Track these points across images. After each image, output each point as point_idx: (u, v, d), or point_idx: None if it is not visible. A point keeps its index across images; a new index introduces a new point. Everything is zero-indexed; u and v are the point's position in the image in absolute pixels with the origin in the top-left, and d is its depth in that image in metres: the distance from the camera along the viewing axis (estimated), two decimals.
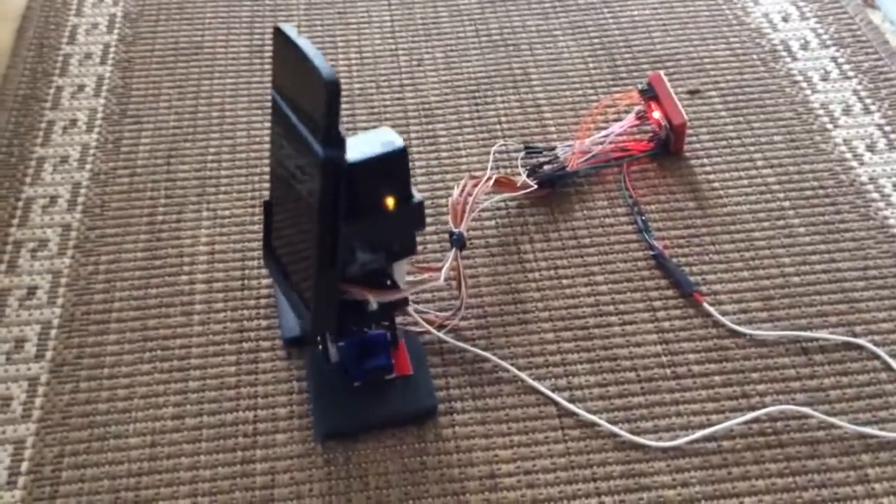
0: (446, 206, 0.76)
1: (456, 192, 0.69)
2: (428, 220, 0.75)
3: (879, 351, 0.65)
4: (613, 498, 0.59)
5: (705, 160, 0.80)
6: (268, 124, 0.84)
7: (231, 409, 0.63)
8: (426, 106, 0.86)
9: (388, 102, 0.86)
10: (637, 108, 0.80)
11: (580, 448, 0.61)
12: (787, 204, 0.76)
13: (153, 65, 0.90)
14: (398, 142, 0.54)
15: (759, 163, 0.79)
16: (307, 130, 0.52)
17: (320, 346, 0.62)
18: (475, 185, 0.70)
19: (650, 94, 0.79)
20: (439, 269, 0.63)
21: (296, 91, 0.54)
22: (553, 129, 0.83)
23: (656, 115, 0.79)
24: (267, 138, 0.83)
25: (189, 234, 0.75)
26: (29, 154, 0.81)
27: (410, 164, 0.79)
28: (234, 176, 0.79)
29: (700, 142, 0.81)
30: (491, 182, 0.71)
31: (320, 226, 0.52)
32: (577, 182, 0.78)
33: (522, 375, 0.65)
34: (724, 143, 0.81)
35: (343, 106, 0.85)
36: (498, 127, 0.84)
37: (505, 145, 0.80)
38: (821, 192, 0.77)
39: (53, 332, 0.68)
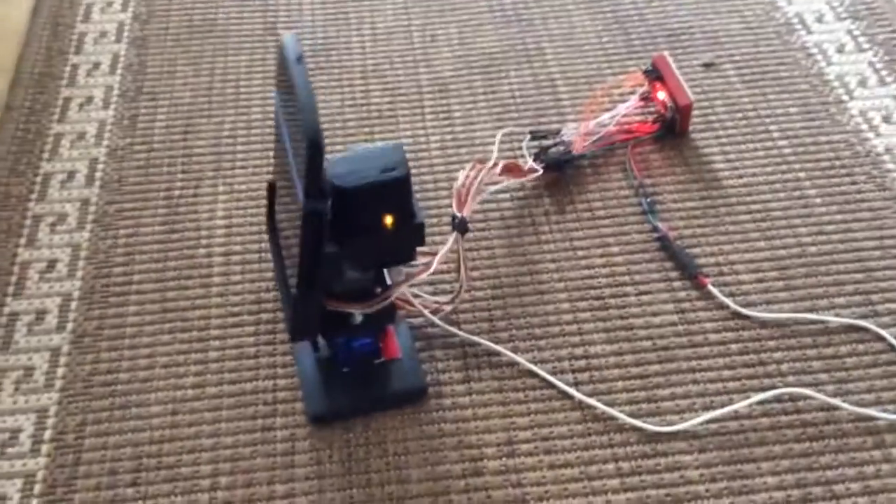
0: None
1: (461, 177, 0.68)
2: (441, 197, 0.76)
3: (884, 332, 0.65)
4: (630, 464, 0.59)
5: (721, 132, 0.80)
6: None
7: (251, 378, 0.64)
8: (440, 81, 0.86)
9: (401, 78, 0.86)
10: (641, 89, 0.80)
11: (596, 415, 0.61)
12: (802, 175, 0.76)
13: (168, 42, 0.90)
14: (400, 168, 0.53)
15: (776, 134, 0.79)
16: (295, 162, 0.52)
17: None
18: (480, 171, 0.68)
19: (655, 74, 0.79)
20: (434, 255, 0.62)
21: (290, 112, 0.53)
22: (567, 103, 0.83)
23: (661, 95, 0.78)
24: None
25: (206, 207, 0.75)
26: (46, 130, 0.82)
27: (425, 139, 0.80)
28: (250, 151, 0.80)
29: (716, 114, 0.81)
30: (498, 168, 0.70)
31: (301, 259, 0.52)
32: (589, 159, 0.78)
33: (538, 370, 0.65)
34: (739, 115, 0.81)
35: (357, 82, 0.86)
36: (512, 102, 0.84)
37: (511, 132, 0.79)
38: (837, 162, 0.77)
39: (74, 303, 0.69)
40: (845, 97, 0.82)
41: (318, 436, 0.61)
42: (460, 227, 0.65)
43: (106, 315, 0.68)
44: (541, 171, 0.74)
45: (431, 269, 0.61)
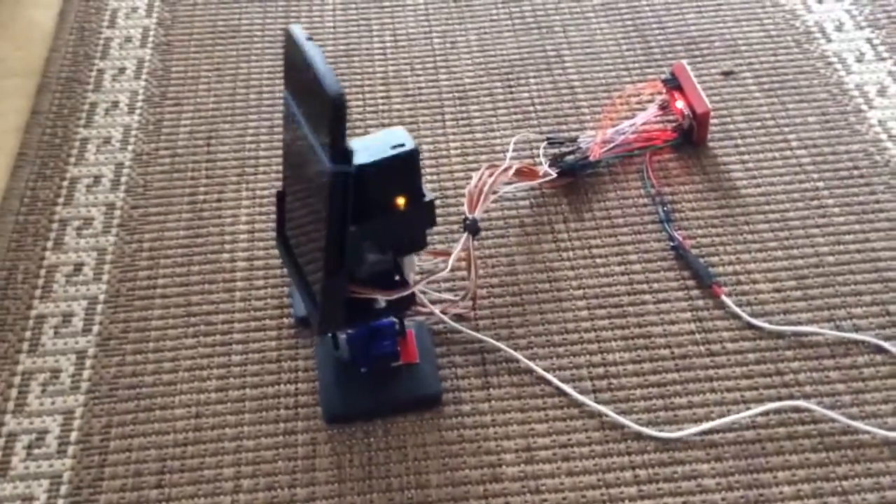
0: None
1: (474, 179, 0.69)
2: (462, 203, 0.76)
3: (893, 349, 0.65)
4: (648, 471, 0.60)
5: (739, 141, 0.80)
6: None
7: (273, 382, 0.65)
8: (460, 88, 0.87)
9: (422, 84, 0.87)
10: (660, 98, 0.80)
11: (614, 422, 0.62)
12: (821, 185, 0.76)
13: (192, 48, 0.91)
14: (409, 143, 0.54)
15: (794, 143, 0.80)
16: (316, 139, 0.53)
17: (329, 334, 0.63)
18: (492, 174, 0.70)
19: (673, 83, 0.79)
20: (449, 255, 0.64)
21: (305, 95, 0.54)
22: (587, 111, 0.84)
23: (679, 104, 0.79)
24: None
25: (230, 213, 0.76)
26: (73, 135, 0.83)
27: (446, 145, 0.81)
28: (273, 157, 0.81)
29: (734, 123, 0.82)
30: (511, 171, 0.71)
31: (328, 235, 0.53)
32: (607, 166, 0.78)
33: (552, 378, 0.66)
34: (758, 123, 0.81)
35: (378, 88, 0.87)
36: (532, 109, 0.84)
37: (527, 138, 0.80)
38: (855, 172, 0.77)
39: (100, 307, 0.70)
40: (864, 106, 0.83)
41: (339, 440, 0.62)
42: (471, 227, 0.66)
43: (131, 318, 0.69)
44: (554, 175, 0.75)
45: (448, 268, 0.63)
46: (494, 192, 0.71)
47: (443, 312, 0.66)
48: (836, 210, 0.74)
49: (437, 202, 0.76)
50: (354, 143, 0.54)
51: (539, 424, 0.62)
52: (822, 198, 0.75)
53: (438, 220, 0.74)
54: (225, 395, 0.64)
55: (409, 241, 0.58)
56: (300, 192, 0.59)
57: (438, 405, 0.63)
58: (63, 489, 0.60)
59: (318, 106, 0.52)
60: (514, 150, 0.79)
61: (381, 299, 0.58)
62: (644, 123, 0.80)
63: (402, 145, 0.54)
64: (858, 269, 0.70)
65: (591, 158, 0.77)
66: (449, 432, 0.62)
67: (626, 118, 0.80)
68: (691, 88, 0.78)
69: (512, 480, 0.59)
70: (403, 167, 0.55)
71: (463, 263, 0.67)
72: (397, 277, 0.59)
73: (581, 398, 0.63)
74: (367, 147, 0.54)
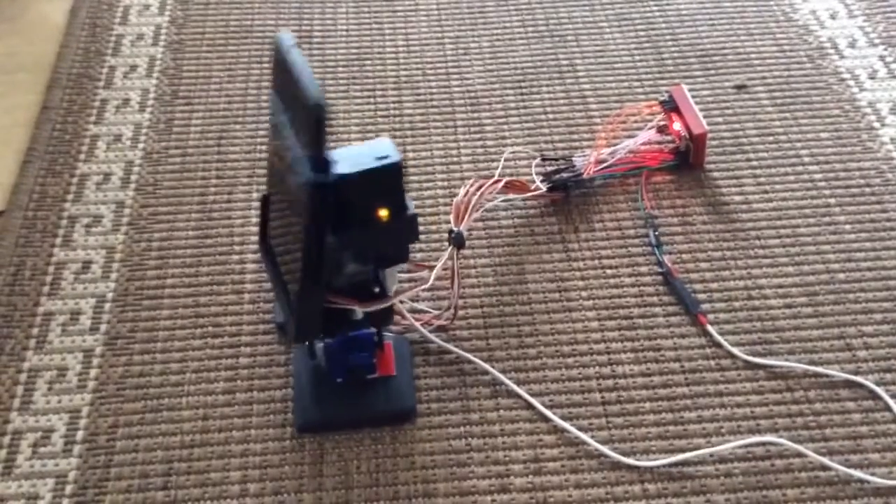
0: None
1: (461, 192, 0.69)
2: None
3: (881, 391, 0.64)
4: (657, 486, 0.59)
5: (751, 155, 0.80)
6: None
7: (281, 385, 0.65)
8: (472, 95, 0.87)
9: (434, 90, 0.87)
10: (658, 118, 0.79)
11: (624, 436, 0.62)
12: (832, 201, 0.76)
13: (204, 47, 0.91)
14: (393, 155, 0.54)
15: (806, 159, 0.80)
16: (298, 145, 0.52)
17: (306, 342, 0.62)
18: (481, 186, 0.69)
19: (671, 105, 0.79)
20: (432, 267, 0.62)
21: (290, 103, 0.53)
22: (598, 120, 0.83)
23: (677, 126, 0.78)
24: None
25: (239, 214, 0.76)
26: (83, 132, 0.83)
27: (457, 152, 0.81)
28: None
29: (747, 136, 0.81)
30: (500, 184, 0.71)
31: (306, 244, 0.52)
32: (602, 184, 0.78)
33: (548, 413, 0.65)
34: (770, 138, 0.81)
35: (390, 93, 0.86)
36: (543, 117, 0.84)
37: (515, 152, 0.80)
38: (867, 189, 0.77)
39: (108, 305, 0.70)
40: (876, 123, 0.83)
41: (347, 446, 0.62)
42: (457, 241, 0.66)
43: (139, 318, 0.69)
44: (544, 190, 0.75)
45: (429, 283, 0.62)
46: (481, 206, 0.70)
47: (426, 324, 0.66)
48: (848, 227, 0.74)
49: (445, 209, 0.76)
50: (339, 153, 0.53)
51: (547, 435, 0.62)
52: (833, 214, 0.75)
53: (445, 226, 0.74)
54: (233, 398, 0.64)
55: (391, 254, 0.58)
56: (282, 199, 0.58)
57: (412, 420, 0.63)
58: (68, 489, 0.60)
59: (301, 114, 0.51)
60: (503, 165, 0.78)
61: (359, 310, 0.58)
62: (641, 144, 0.79)
63: (387, 157, 0.54)
64: (869, 287, 0.70)
65: (584, 176, 0.76)
66: (457, 441, 0.62)
67: (625, 137, 0.79)
68: (689, 110, 0.77)
69: (520, 491, 0.59)
70: (387, 179, 0.54)
71: (447, 273, 0.66)
72: (377, 289, 0.58)
73: (583, 436, 0.61)
74: (352, 157, 0.54)
